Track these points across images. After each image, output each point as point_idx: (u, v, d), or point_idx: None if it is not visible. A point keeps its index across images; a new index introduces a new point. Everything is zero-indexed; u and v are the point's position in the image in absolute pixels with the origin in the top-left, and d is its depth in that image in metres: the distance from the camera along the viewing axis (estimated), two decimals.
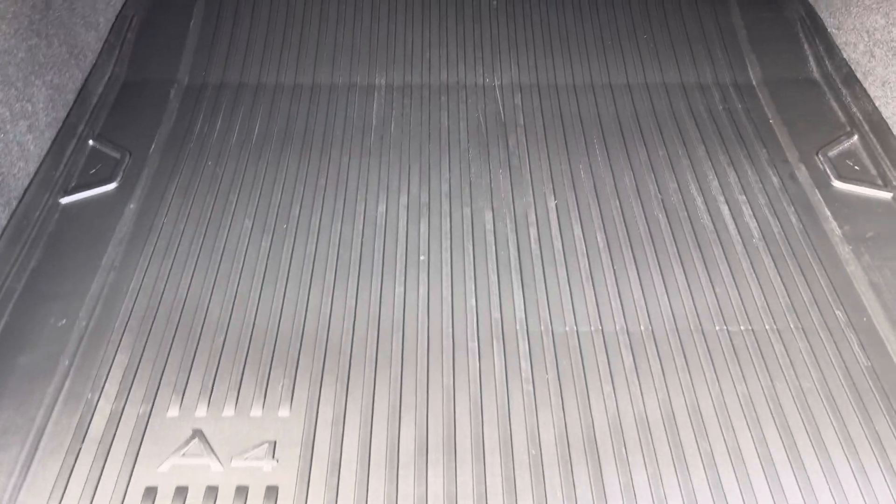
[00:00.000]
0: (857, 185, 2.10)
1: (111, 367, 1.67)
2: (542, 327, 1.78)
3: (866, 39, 2.28)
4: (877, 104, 2.21)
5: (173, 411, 1.61)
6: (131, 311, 1.79)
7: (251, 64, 2.51)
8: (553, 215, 2.05)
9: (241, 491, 1.48)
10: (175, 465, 1.51)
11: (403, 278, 1.89)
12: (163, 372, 1.67)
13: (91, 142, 2.19)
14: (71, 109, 2.22)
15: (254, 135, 2.28)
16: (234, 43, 2.58)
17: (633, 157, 2.22)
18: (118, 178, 2.09)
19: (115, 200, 2.04)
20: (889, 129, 2.15)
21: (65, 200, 2.03)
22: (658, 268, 1.91)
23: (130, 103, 2.34)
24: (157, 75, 2.44)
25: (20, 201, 1.97)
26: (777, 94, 2.41)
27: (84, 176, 2.10)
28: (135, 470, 1.50)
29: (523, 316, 1.81)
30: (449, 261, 1.93)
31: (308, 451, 1.54)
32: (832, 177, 2.12)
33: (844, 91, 2.34)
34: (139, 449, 1.54)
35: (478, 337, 1.76)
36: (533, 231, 2.01)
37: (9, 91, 1.93)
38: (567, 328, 1.78)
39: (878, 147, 2.16)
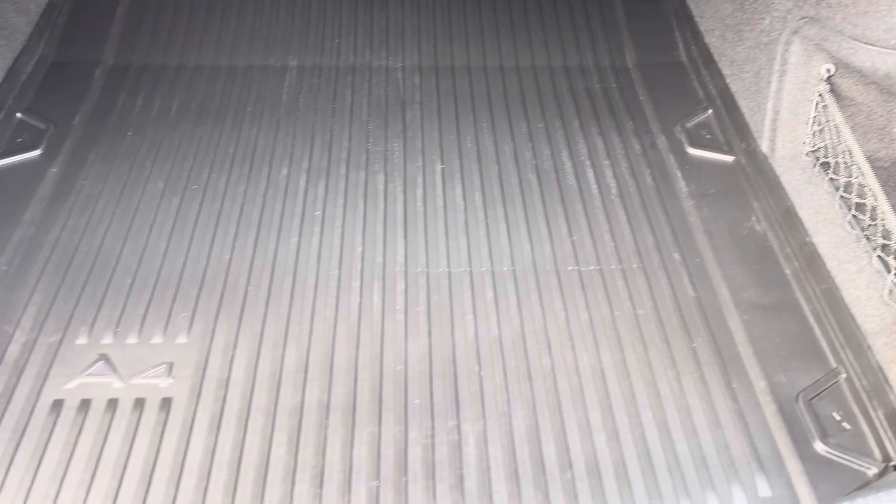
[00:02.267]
0: (706, 150, 2.39)
1: (27, 304, 1.88)
2: (419, 269, 2.03)
3: (720, 25, 2.58)
4: (727, 81, 2.51)
5: (82, 340, 1.81)
6: (49, 259, 1.99)
7: (173, 48, 2.73)
8: (439, 178, 2.30)
9: (139, 403, 1.70)
10: (81, 383, 1.72)
11: (298, 231, 2.12)
12: (75, 308, 1.88)
13: (18, 114, 2.38)
14: (0, 86, 2.41)
15: (172, 111, 2.49)
16: (158, 28, 2.79)
17: (516, 130, 2.48)
18: (42, 146, 2.29)
19: (38, 165, 2.25)
20: (735, 102, 2.45)
21: None
22: (525, 220, 2.17)
23: (57, 82, 2.55)
24: (84, 57, 2.65)
25: None
26: (648, 76, 2.70)
27: (11, 144, 2.30)
28: (44, 387, 1.71)
29: (403, 260, 2.05)
30: (342, 216, 2.17)
31: (201, 371, 1.76)
32: (686, 144, 2.41)
33: (704, 71, 2.64)
34: (49, 370, 1.74)
35: (361, 278, 2.00)
36: (419, 191, 2.26)
37: None
38: (440, 269, 2.03)
39: (727, 118, 2.45)
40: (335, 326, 1.88)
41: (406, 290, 1.97)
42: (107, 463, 1.58)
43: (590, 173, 2.33)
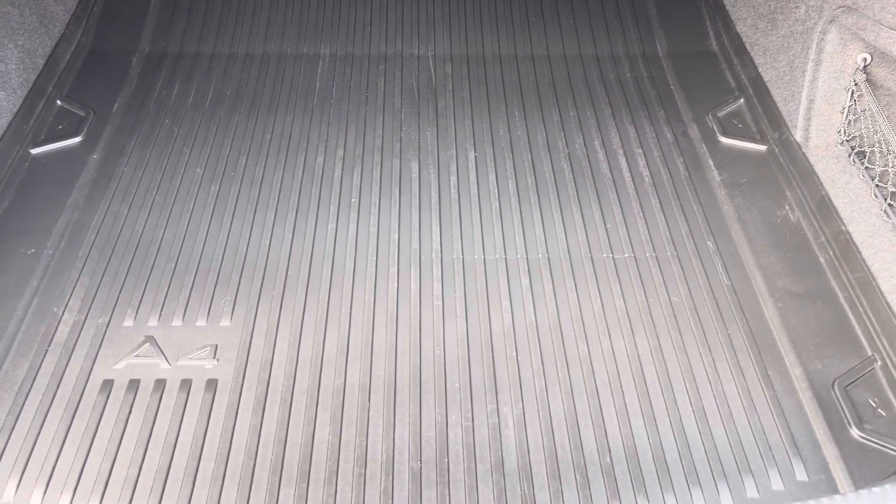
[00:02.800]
0: (738, 139, 2.39)
1: (74, 287, 1.92)
2: (454, 256, 2.06)
3: (752, 14, 2.58)
4: (760, 70, 2.51)
5: (129, 322, 1.86)
6: (93, 243, 2.04)
7: (207, 36, 2.76)
8: (472, 166, 2.33)
9: (186, 383, 1.74)
10: (129, 364, 1.77)
11: (336, 217, 2.15)
12: (120, 291, 1.92)
13: (59, 101, 2.43)
14: (41, 73, 2.45)
15: (208, 98, 2.53)
16: (192, 17, 2.82)
17: (547, 118, 2.50)
18: (83, 133, 2.33)
19: (80, 152, 2.29)
20: (768, 91, 2.44)
21: (35, 151, 2.27)
22: (559, 208, 2.19)
23: (95, 69, 2.59)
24: (121, 45, 2.69)
25: None
26: (679, 64, 2.70)
27: (52, 131, 2.34)
28: (94, 367, 1.75)
29: (439, 247, 2.08)
30: (377, 203, 2.20)
31: (244, 353, 1.80)
32: (718, 133, 2.41)
33: (736, 60, 2.64)
34: (98, 351, 1.79)
35: (398, 263, 2.03)
36: (453, 179, 2.28)
37: None
38: (475, 256, 2.06)
39: (759, 107, 2.46)
40: (374, 311, 1.91)
41: (442, 276, 2.00)
42: (157, 441, 1.63)
43: (622, 162, 2.34)
